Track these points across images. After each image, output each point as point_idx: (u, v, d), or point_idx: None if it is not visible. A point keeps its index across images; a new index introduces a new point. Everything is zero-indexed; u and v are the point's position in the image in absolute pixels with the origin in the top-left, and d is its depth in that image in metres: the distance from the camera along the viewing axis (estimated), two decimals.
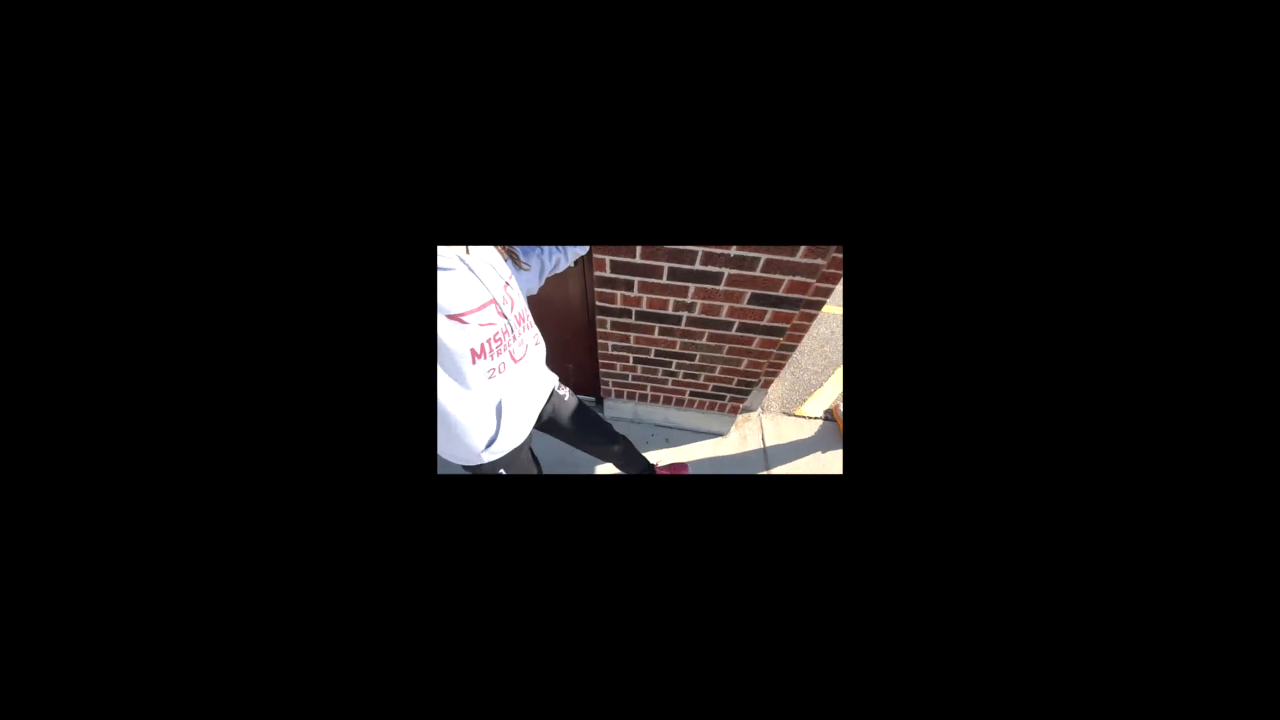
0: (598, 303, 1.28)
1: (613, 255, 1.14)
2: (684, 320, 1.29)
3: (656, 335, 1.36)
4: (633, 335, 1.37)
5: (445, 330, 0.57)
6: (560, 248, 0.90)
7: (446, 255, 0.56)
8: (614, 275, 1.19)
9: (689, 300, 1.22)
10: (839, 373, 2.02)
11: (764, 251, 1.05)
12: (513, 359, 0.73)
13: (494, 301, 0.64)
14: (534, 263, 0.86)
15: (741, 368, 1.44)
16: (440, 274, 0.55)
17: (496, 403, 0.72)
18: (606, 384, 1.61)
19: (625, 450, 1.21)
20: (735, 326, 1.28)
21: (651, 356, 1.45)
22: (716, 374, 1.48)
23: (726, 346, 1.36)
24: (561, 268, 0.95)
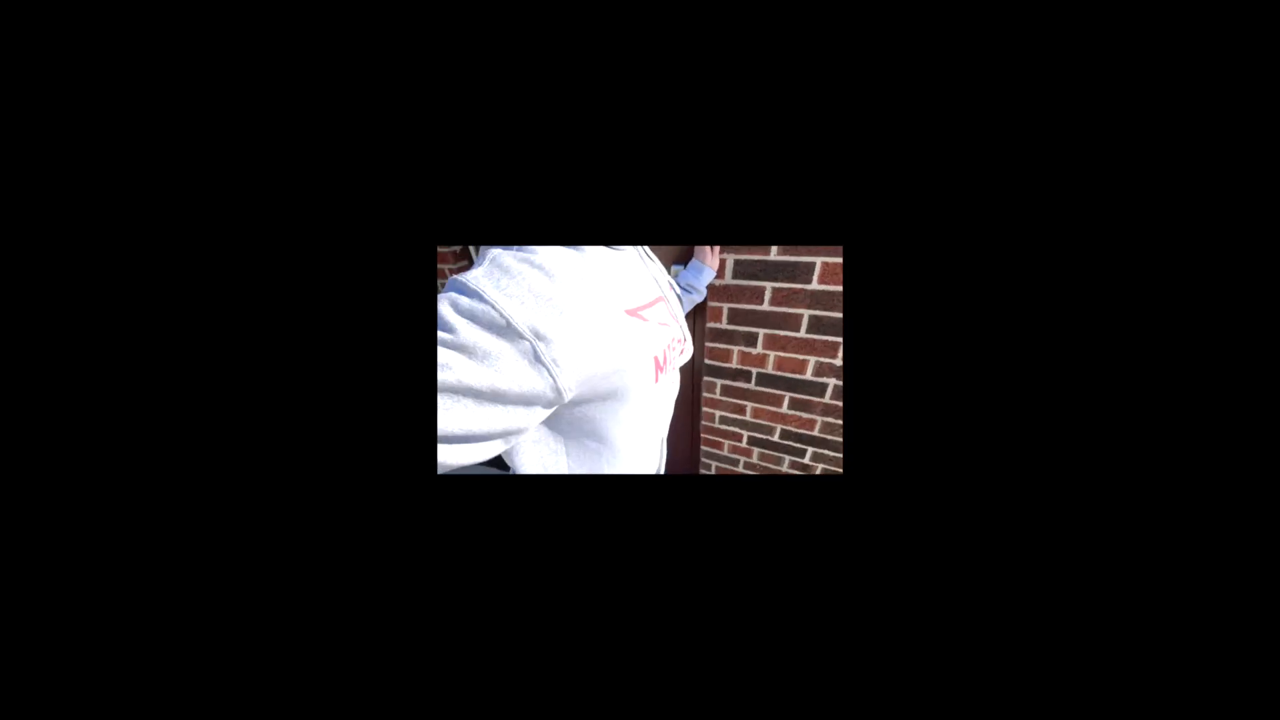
0: (706, 360, 1.01)
1: (730, 302, 0.89)
2: (829, 390, 0.91)
3: (785, 409, 1.00)
4: (750, 406, 1.04)
5: (625, 330, 0.38)
6: (687, 277, 0.76)
7: (622, 246, 0.42)
8: (731, 327, 0.92)
9: (836, 363, 0.86)
10: None
11: None
12: (676, 371, 0.52)
13: (663, 299, 0.48)
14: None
15: None
16: (606, 259, 0.40)
17: (662, 437, 0.52)
18: (709, 467, 1.25)
19: None
20: None
21: (775, 438, 1.07)
22: None
23: None
24: (695, 302, 0.78)
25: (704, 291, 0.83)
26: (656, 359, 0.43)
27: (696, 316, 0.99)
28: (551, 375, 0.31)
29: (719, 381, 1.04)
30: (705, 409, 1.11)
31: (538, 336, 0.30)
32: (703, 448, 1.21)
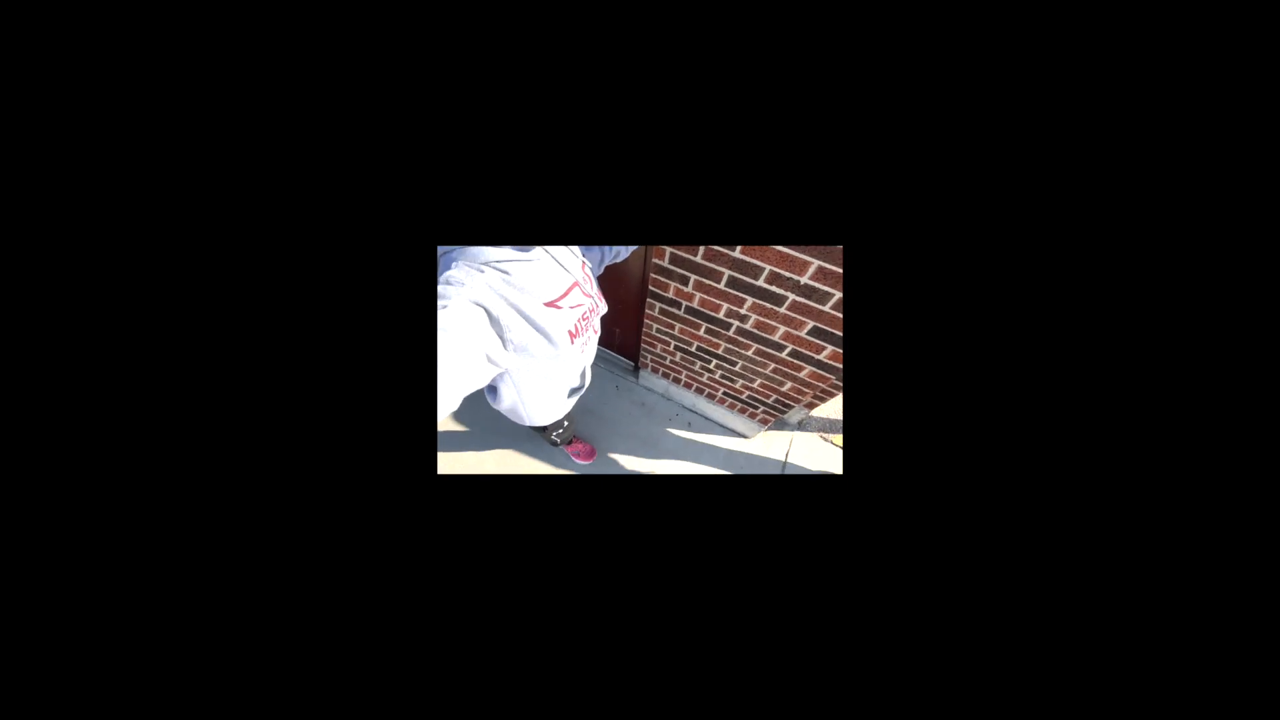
0: (650, 287, 1.23)
1: (674, 248, 1.06)
2: (733, 329, 1.20)
3: (702, 333, 1.29)
4: (678, 326, 1.32)
5: (545, 317, 0.58)
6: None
7: (530, 249, 0.56)
8: (671, 266, 1.11)
9: (743, 312, 1.12)
10: None
11: (840, 288, 0.90)
12: (594, 331, 0.78)
13: (576, 284, 0.66)
14: (595, 253, 0.86)
15: (783, 389, 1.34)
16: (527, 266, 0.55)
17: (583, 368, 0.81)
18: (645, 358, 1.62)
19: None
20: (787, 351, 1.17)
21: (693, 350, 1.40)
22: (755, 386, 1.41)
23: (772, 365, 1.26)
24: (621, 258, 0.93)
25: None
26: (570, 332, 0.64)
27: (645, 252, 1.15)
28: (502, 339, 0.53)
29: (658, 304, 1.28)
30: (646, 321, 1.39)
31: (496, 321, 0.52)
32: (642, 342, 1.54)
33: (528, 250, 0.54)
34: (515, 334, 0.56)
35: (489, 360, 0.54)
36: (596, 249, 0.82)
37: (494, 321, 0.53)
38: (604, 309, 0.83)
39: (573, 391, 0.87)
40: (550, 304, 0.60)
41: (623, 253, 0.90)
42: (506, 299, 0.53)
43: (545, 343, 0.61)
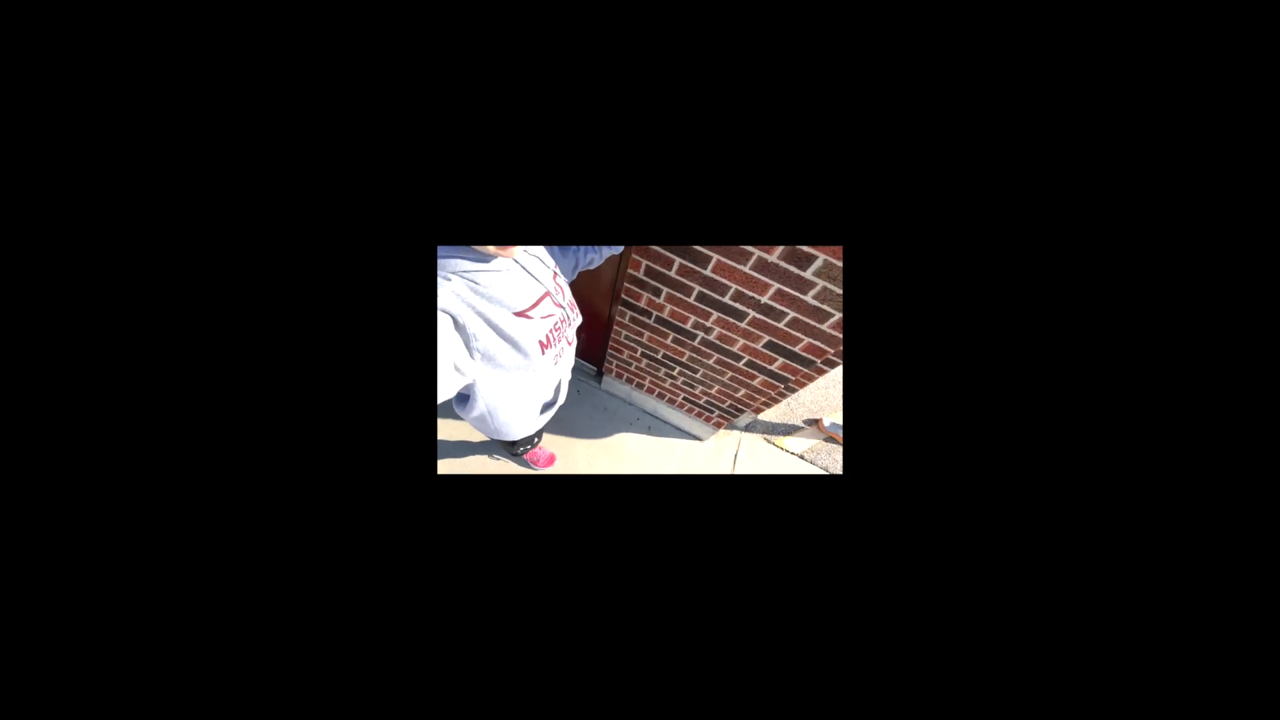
0: (623, 295, 1.30)
1: (650, 261, 1.14)
2: (698, 339, 1.31)
3: (669, 342, 1.39)
4: (646, 334, 1.41)
5: (515, 327, 0.59)
6: (596, 248, 0.90)
7: (498, 260, 0.57)
8: (645, 279, 1.20)
9: (709, 325, 1.24)
10: (832, 415, 2.06)
11: (793, 309, 1.05)
12: (568, 343, 0.78)
13: (548, 294, 0.67)
14: (570, 258, 0.88)
15: (738, 395, 1.49)
16: (497, 275, 0.55)
17: (558, 382, 0.79)
18: (610, 363, 1.67)
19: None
20: (743, 361, 1.31)
21: (659, 357, 1.49)
22: (713, 391, 1.54)
23: (730, 374, 1.40)
24: (595, 265, 0.97)
25: (620, 247, 0.98)
26: (541, 342, 0.66)
27: (620, 263, 1.23)
28: (468, 348, 0.54)
29: (630, 312, 1.36)
30: (615, 327, 1.45)
31: (463, 328, 0.53)
32: (609, 349, 1.60)
33: (491, 260, 0.54)
34: (483, 343, 0.56)
35: (456, 369, 0.55)
36: (571, 253, 0.86)
37: (460, 328, 0.53)
38: (578, 320, 0.85)
39: (546, 407, 0.86)
40: (520, 314, 0.60)
41: (596, 259, 0.93)
42: (474, 308, 0.53)
43: (514, 352, 0.62)
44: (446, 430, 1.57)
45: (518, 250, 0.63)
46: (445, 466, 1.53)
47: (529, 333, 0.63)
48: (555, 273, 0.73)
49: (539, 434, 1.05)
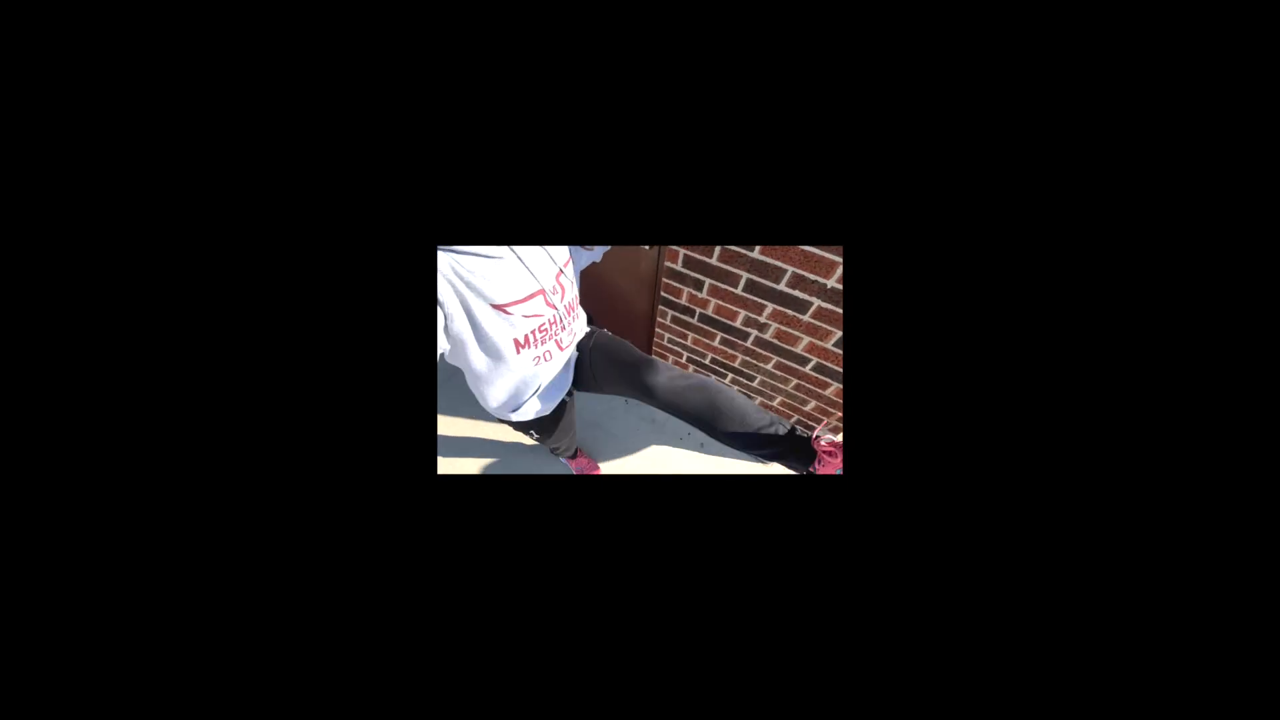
0: (662, 293, 1.16)
1: (688, 249, 0.99)
2: (751, 339, 1.10)
3: (717, 344, 1.20)
4: (691, 335, 1.24)
5: (488, 319, 0.57)
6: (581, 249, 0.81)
7: (497, 246, 0.54)
8: (685, 270, 1.04)
9: (762, 320, 1.03)
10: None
11: None
12: (559, 347, 0.71)
13: (542, 292, 0.62)
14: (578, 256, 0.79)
15: (806, 409, 1.22)
16: (487, 262, 0.54)
17: (536, 385, 0.72)
18: None
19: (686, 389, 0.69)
20: (810, 365, 1.06)
21: (707, 362, 1.30)
22: (775, 404, 1.29)
23: (794, 381, 1.15)
24: (594, 260, 0.86)
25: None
26: (517, 340, 0.60)
27: (659, 252, 1.09)
28: (444, 328, 0.54)
29: (670, 311, 1.20)
30: (657, 330, 1.31)
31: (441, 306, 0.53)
32: (653, 354, 1.45)
33: (493, 247, 0.53)
34: (456, 325, 0.55)
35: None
36: (572, 251, 0.77)
37: (440, 305, 0.51)
38: (580, 327, 0.76)
39: (540, 398, 0.76)
40: (498, 307, 0.56)
41: (594, 256, 0.83)
42: (454, 288, 0.53)
43: (481, 346, 0.59)
44: (471, 429, 1.57)
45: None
46: (458, 465, 1.52)
47: (502, 330, 0.59)
48: (561, 270, 0.66)
49: (564, 431, 0.94)
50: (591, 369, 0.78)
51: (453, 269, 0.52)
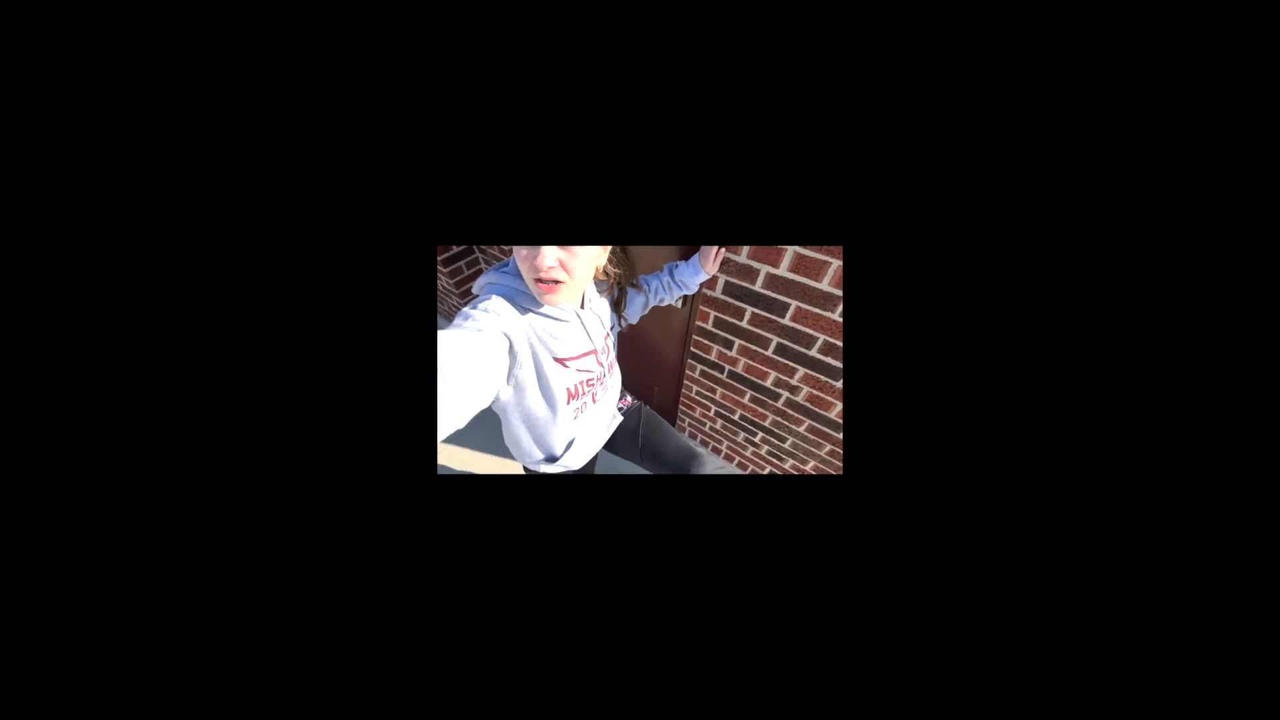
0: (691, 348, 1.17)
1: (718, 312, 1.00)
2: (782, 399, 1.07)
3: (746, 401, 1.18)
4: (720, 390, 1.22)
5: (552, 370, 0.65)
6: (666, 286, 0.88)
7: (566, 310, 0.63)
8: (715, 330, 1.05)
9: (794, 383, 1.00)
10: None
11: None
12: (594, 400, 0.78)
13: (594, 352, 0.71)
14: (639, 297, 0.86)
15: None
16: (558, 324, 0.63)
17: (571, 438, 0.78)
18: (684, 421, 1.51)
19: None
20: None
21: (735, 418, 1.27)
22: (807, 469, 1.22)
23: (829, 447, 1.09)
24: (665, 303, 0.91)
25: (694, 288, 0.90)
26: (569, 390, 0.68)
27: (690, 314, 1.11)
28: (510, 371, 0.59)
29: (700, 366, 1.20)
30: (685, 382, 1.31)
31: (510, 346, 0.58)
32: (680, 406, 1.44)
33: (562, 310, 0.62)
34: (523, 371, 0.61)
35: (492, 383, 0.59)
36: (641, 293, 0.86)
37: (511, 353, 0.58)
38: (616, 386, 0.84)
39: (553, 458, 0.80)
40: (559, 360, 0.64)
41: (667, 299, 0.89)
42: (529, 340, 0.60)
43: (540, 390, 0.66)
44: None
45: (589, 305, 0.70)
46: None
47: (560, 378, 0.66)
48: (608, 333, 0.76)
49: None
50: (639, 444, 0.87)
51: (531, 325, 0.60)
